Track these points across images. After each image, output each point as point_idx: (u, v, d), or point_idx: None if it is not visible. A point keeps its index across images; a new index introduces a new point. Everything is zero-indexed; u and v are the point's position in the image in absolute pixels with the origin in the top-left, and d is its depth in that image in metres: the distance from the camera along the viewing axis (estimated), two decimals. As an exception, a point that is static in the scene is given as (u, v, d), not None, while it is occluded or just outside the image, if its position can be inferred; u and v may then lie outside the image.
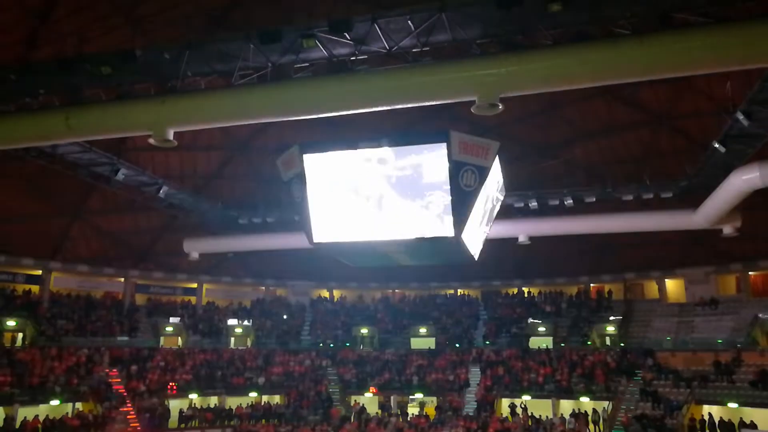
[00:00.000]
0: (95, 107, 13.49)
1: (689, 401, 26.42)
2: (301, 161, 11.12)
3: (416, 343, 37.05)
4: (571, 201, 23.56)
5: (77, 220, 32.24)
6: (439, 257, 14.40)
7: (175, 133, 12.99)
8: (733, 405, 25.07)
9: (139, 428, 27.23)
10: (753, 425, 23.51)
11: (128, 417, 27.69)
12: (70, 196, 30.03)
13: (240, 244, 29.87)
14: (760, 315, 29.52)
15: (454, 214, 10.54)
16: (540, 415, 28.29)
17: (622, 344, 32.90)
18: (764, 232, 28.43)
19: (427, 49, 12.02)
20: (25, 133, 14.13)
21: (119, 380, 29.74)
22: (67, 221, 31.95)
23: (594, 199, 23.62)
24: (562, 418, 27.82)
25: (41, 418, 25.52)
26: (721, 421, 24.64)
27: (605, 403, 28.34)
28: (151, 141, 13.03)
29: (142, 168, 23.51)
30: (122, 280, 36.98)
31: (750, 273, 32.72)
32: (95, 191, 28.95)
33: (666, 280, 35.87)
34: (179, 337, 36.06)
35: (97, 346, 31.45)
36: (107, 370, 30.11)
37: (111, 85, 13.78)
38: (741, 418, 24.32)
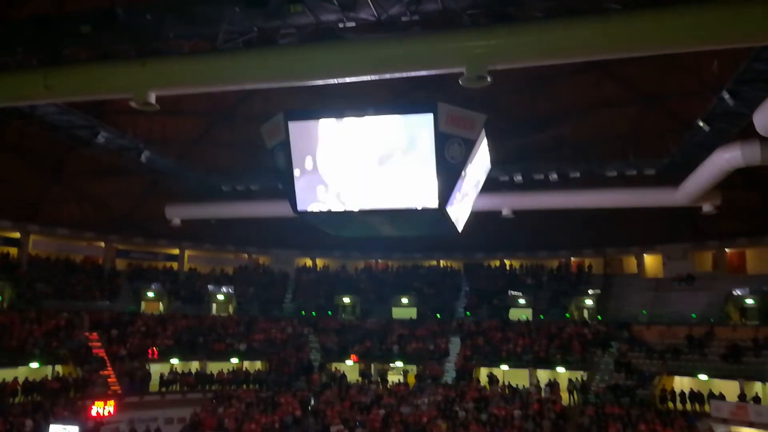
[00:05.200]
0: (74, 68, 13.09)
1: (661, 372, 27.22)
2: (286, 129, 10.96)
3: (398, 313, 37.45)
4: (556, 176, 23.69)
5: (56, 184, 31.71)
6: (422, 229, 14.43)
7: (158, 97, 12.70)
8: (703, 377, 25.89)
9: (119, 391, 27.37)
10: (722, 396, 24.34)
11: (108, 380, 27.80)
12: (49, 159, 29.47)
13: (223, 211, 29.64)
14: (734, 291, 30.26)
15: (439, 186, 10.51)
16: (517, 385, 28.97)
17: (599, 317, 33.59)
18: (742, 211, 28.95)
19: (417, 18, 11.80)
20: (1, 93, 13.71)
21: (99, 344, 29.73)
22: (45, 184, 31.41)
23: (578, 175, 23.77)
24: (538, 387, 28.52)
25: (20, 380, 25.52)
26: (692, 391, 25.47)
27: (580, 373, 29.08)
28: (132, 104, 12.73)
29: (123, 131, 23.05)
30: (102, 244, 36.65)
31: (726, 250, 33.41)
32: (75, 154, 28.38)
33: (645, 255, 36.52)
34: (160, 303, 36.02)
35: (76, 310, 31.30)
36: (87, 334, 30.06)
37: (91, 46, 13.36)
38: (710, 389, 25.14)
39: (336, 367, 32.88)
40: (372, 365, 32.98)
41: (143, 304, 35.50)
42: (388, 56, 11.53)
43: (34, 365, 26.92)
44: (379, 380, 31.58)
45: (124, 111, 22.85)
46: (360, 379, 31.86)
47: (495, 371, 30.54)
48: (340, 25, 12.02)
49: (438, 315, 36.50)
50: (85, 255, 36.30)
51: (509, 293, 36.67)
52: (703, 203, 23.07)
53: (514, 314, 35.43)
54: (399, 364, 32.85)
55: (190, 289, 37.62)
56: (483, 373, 30.99)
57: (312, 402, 28.69)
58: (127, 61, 12.81)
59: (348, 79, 12.20)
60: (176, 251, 39.34)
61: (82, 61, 13.26)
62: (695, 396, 25.22)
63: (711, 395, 24.71)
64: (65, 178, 31.68)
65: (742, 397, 23.76)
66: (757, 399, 23.45)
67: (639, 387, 26.65)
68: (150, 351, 30.71)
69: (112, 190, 33.31)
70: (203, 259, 40.51)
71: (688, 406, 25.17)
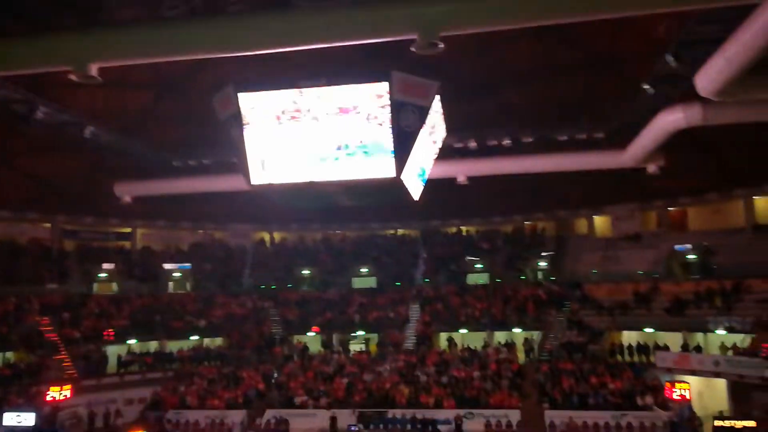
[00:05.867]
0: (7, 39, 12.34)
1: (610, 328, 28.51)
2: (237, 101, 10.74)
3: (358, 283, 37.73)
4: (510, 141, 24.05)
5: (-6, 163, 30.16)
6: (380, 198, 14.51)
7: (100, 69, 12.13)
8: (649, 330, 27.26)
9: (75, 375, 26.75)
10: (666, 348, 25.73)
11: (63, 365, 27.11)
12: (-16, 137, 27.92)
13: (175, 186, 28.86)
14: (676, 247, 31.72)
15: (395, 155, 10.55)
16: (476, 347, 29.82)
17: (552, 278, 34.70)
18: (684, 171, 30.13)
19: (368, -17, 11.58)
20: (-74, 66, 12.82)
21: (51, 328, 28.86)
22: (-18, 163, 29.84)
23: (531, 140, 24.19)
24: (496, 348, 29.43)
25: (-31, 370, 24.65)
26: (639, 344, 26.82)
27: (535, 333, 30.13)
28: (73, 77, 12.12)
29: (64, 106, 21.97)
30: (48, 225, 35.26)
31: (669, 209, 34.86)
32: (13, 131, 26.95)
33: (594, 216, 37.74)
34: (114, 283, 35.12)
35: (25, 294, 30.20)
36: (38, 318, 29.11)
37: (25, 15, 12.60)
38: (656, 341, 26.52)
39: (298, 340, 33.00)
40: (333, 336, 33.23)
41: (95, 285, 34.54)
42: (339, 24, 11.31)
43: (-17, 353, 26.01)
44: (341, 350, 31.90)
45: (64, 84, 21.77)
46: (322, 350, 32.10)
47: (454, 335, 31.30)
48: (290, -9, 11.68)
49: (397, 283, 36.95)
50: (31, 236, 34.87)
51: (466, 259, 37.39)
52: (648, 164, 23.92)
53: (472, 279, 36.22)
54: (360, 333, 33.23)
55: (144, 268, 36.78)
56: (443, 337, 31.71)
57: (275, 375, 28.80)
58: (65, 32, 12.15)
59: (299, 48, 11.94)
60: (128, 230, 38.26)
61: (17, 33, 12.49)
62: (642, 348, 26.60)
63: (656, 347, 26.08)
64: (4, 157, 30.13)
65: (684, 347, 25.18)
66: (698, 348, 24.90)
67: (590, 343, 27.87)
68: (105, 333, 30.03)
69: (57, 168, 31.85)
70: (157, 237, 39.56)
71: (636, 358, 26.55)
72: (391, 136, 10.41)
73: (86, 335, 29.46)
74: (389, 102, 10.19)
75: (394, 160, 10.59)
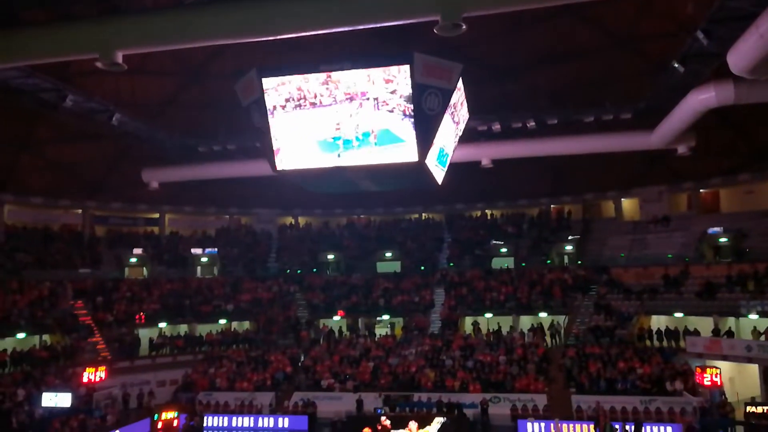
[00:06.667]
0: (35, 29, 12.57)
1: (639, 312, 28.09)
2: (260, 86, 10.74)
3: (382, 267, 37.82)
4: (534, 124, 23.70)
5: (25, 151, 30.90)
6: (403, 182, 14.42)
7: (124, 56, 12.29)
8: (679, 315, 26.78)
9: (109, 357, 27.53)
10: (696, 332, 25.26)
11: (97, 347, 27.90)
12: (16, 126, 28.61)
13: (201, 172, 29.27)
14: (708, 230, 31.02)
15: (417, 139, 10.45)
16: (500, 327, 29.75)
17: (579, 262, 34.29)
18: (715, 151, 29.38)
19: (389, -36, 11.46)
20: (-42, 57, 13.15)
21: (85, 312, 29.68)
22: (14, 152, 30.59)
23: (556, 122, 23.80)
24: (522, 333, 29.31)
25: (8, 351, 25.49)
26: (668, 329, 26.41)
27: (562, 317, 29.89)
28: (99, 64, 12.31)
29: (91, 94, 22.36)
30: (80, 211, 36.12)
31: (701, 190, 34.03)
32: (42, 120, 27.61)
33: (622, 199, 37.06)
34: (144, 268, 35.88)
35: (59, 279, 31.07)
36: (72, 302, 29.94)
37: (49, 6, 12.82)
38: (686, 326, 26.07)
39: (324, 323, 33.32)
40: (359, 320, 33.45)
41: (126, 270, 35.34)
42: (361, 6, 11.25)
43: (21, 335, 26.84)
44: (367, 334, 32.13)
45: (90, 72, 22.16)
46: (347, 333, 32.38)
47: (479, 319, 31.24)
48: (310, -25, 11.61)
49: (422, 267, 36.93)
50: (63, 223, 35.79)
51: (491, 242, 37.14)
52: (678, 145, 23.35)
53: (497, 263, 35.99)
54: (385, 317, 33.40)
55: (173, 253, 37.47)
56: (468, 322, 31.68)
57: (302, 358, 29.20)
58: (90, 20, 12.32)
59: (321, 32, 11.91)
60: (156, 215, 38.98)
61: (42, 23, 12.72)
62: (671, 333, 26.15)
63: (686, 332, 25.62)
64: (35, 145, 30.87)
65: (715, 332, 24.68)
66: (730, 333, 24.40)
67: (618, 327, 27.53)
68: (137, 316, 30.78)
69: (85, 156, 32.58)
70: (184, 222, 40.21)
71: (665, 343, 26.12)
72: (414, 119, 10.31)
73: (119, 319, 30.24)
74: (408, 86, 10.06)
75: (416, 144, 10.50)
